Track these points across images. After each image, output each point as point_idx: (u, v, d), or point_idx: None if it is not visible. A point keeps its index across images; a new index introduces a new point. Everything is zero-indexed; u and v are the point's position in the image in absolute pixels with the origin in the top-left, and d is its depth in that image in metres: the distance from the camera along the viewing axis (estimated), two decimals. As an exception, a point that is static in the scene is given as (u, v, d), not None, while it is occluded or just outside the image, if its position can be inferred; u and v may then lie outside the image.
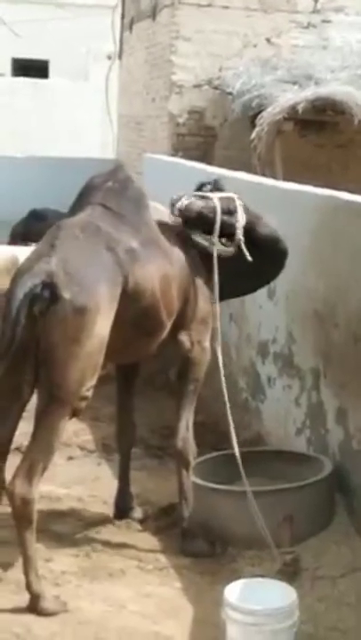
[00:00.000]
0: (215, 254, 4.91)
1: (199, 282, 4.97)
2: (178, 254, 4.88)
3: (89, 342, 4.27)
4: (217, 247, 4.93)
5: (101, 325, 4.32)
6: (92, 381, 4.35)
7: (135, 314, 4.55)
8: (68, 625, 4.22)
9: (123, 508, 5.32)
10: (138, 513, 5.33)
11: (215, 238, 4.93)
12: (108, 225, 4.58)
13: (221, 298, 5.21)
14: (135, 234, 4.63)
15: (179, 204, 5.00)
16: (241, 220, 5.00)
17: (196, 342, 4.98)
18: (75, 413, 4.35)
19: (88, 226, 4.54)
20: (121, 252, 4.50)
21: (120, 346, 4.54)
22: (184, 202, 5.02)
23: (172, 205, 5.04)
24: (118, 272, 4.45)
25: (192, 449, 5.05)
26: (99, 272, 4.37)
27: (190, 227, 4.99)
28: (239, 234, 4.97)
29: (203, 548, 4.91)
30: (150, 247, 4.66)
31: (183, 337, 4.95)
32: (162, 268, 4.68)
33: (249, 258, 4.95)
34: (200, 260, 5.02)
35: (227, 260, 5.02)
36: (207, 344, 5.04)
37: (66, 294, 4.20)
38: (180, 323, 4.92)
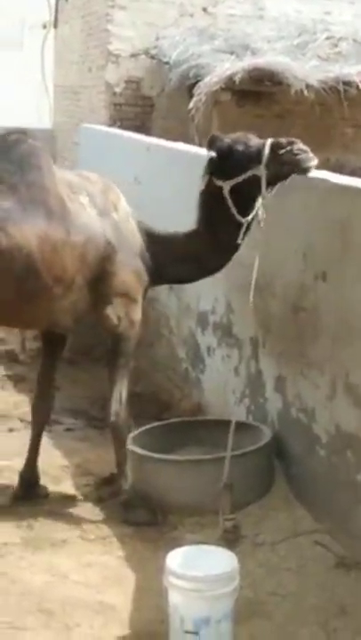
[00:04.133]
0: (264, 179, 4.73)
1: (124, 256, 4.95)
2: (86, 222, 4.83)
3: None
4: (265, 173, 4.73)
5: None
6: None
7: (11, 274, 4.58)
8: (11, 596, 4.23)
9: (28, 482, 5.27)
10: (43, 490, 5.30)
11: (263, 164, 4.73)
12: None
13: (163, 281, 5.30)
14: (11, 194, 4.64)
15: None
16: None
17: (122, 316, 4.99)
18: None
19: None
20: None
21: (4, 307, 4.62)
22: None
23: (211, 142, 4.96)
24: None
25: (126, 422, 5.07)
26: None
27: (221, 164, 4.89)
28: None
29: (144, 517, 4.95)
30: (31, 208, 4.65)
31: (108, 311, 4.96)
32: (42, 230, 4.65)
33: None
34: (140, 237, 5.06)
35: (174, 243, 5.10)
36: (136, 317, 5.04)
37: None
38: (103, 296, 4.92)
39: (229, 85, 9.97)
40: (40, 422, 5.36)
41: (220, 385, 6.12)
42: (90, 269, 4.85)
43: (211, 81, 9.83)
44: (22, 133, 4.92)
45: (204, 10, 11.64)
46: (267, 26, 11.11)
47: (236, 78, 9.83)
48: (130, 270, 4.99)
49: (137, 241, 5.07)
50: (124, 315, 4.99)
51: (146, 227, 5.20)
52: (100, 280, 4.90)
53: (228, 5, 11.70)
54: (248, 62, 9.93)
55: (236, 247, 5.03)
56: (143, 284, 5.09)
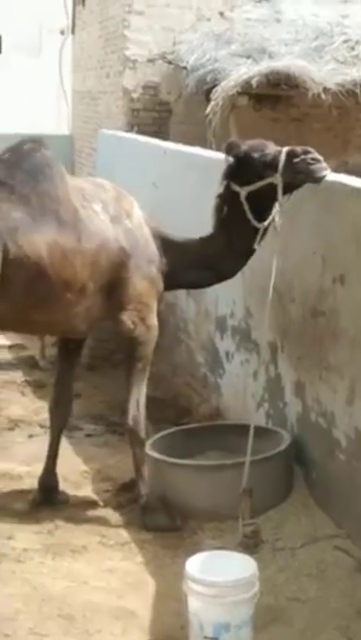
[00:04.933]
0: (280, 187, 4.77)
1: (137, 262, 4.98)
2: (99, 230, 4.87)
3: None
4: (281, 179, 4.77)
5: None
6: None
7: (22, 281, 4.63)
8: (32, 602, 4.24)
9: (47, 488, 5.28)
10: (63, 495, 5.32)
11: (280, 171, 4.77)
12: None
13: (179, 286, 5.36)
14: (23, 204, 4.69)
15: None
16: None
17: (138, 321, 5.02)
18: None
19: None
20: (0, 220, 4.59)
21: (15, 314, 4.69)
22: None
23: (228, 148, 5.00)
24: None
25: (144, 427, 5.08)
26: None
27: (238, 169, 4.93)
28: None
29: (164, 522, 4.96)
30: (42, 218, 4.70)
31: (124, 317, 5.00)
32: (53, 239, 4.70)
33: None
34: (154, 244, 5.09)
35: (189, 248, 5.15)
36: (152, 322, 5.08)
37: None
38: (118, 302, 4.97)
39: (246, 89, 9.96)
40: (58, 428, 5.38)
41: (239, 390, 6.11)
42: (102, 276, 4.89)
43: (228, 85, 9.83)
44: (37, 142, 4.96)
45: (221, 14, 11.63)
46: (284, 29, 11.08)
47: (254, 82, 9.82)
48: (143, 276, 5.02)
49: (151, 247, 5.10)
50: (140, 320, 5.02)
51: (161, 232, 5.23)
52: (113, 286, 4.94)
53: (245, 9, 11.68)
54: (265, 66, 9.92)
55: (250, 252, 5.07)
56: (157, 289, 5.12)
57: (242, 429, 5.03)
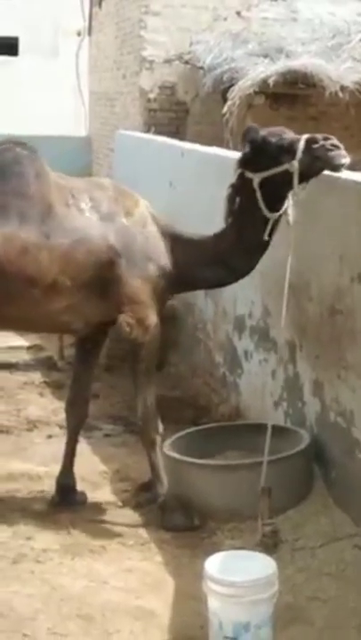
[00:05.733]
0: (296, 174, 4.71)
1: (131, 261, 4.94)
2: (79, 226, 4.86)
3: None
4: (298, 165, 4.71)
5: None
6: None
7: None
8: (52, 602, 4.25)
9: (65, 488, 5.27)
10: (82, 496, 5.31)
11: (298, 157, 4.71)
12: None
13: (192, 286, 5.35)
14: None
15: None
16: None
17: (134, 323, 4.95)
18: None
19: None
20: None
21: None
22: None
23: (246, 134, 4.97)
24: None
25: (154, 426, 5.06)
26: None
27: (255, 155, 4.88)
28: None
29: (181, 522, 4.95)
30: (2, 214, 4.74)
31: (120, 318, 4.96)
32: (13, 234, 4.72)
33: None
34: (161, 243, 5.05)
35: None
36: (150, 322, 5.00)
37: None
38: (113, 303, 4.94)
39: (263, 89, 9.96)
40: (74, 428, 5.38)
41: (257, 389, 6.10)
42: (81, 272, 4.85)
43: (244, 85, 9.83)
44: (15, 143, 4.99)
45: (238, 14, 11.62)
46: (300, 28, 11.07)
47: (270, 81, 9.82)
48: (138, 274, 4.96)
49: (152, 246, 5.04)
50: (136, 321, 4.97)
51: (173, 231, 5.19)
52: (105, 284, 4.90)
53: (262, 9, 11.67)
54: (282, 65, 9.91)
55: (263, 246, 5.00)
56: (156, 288, 5.03)
57: (261, 429, 5.01)
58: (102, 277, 4.90)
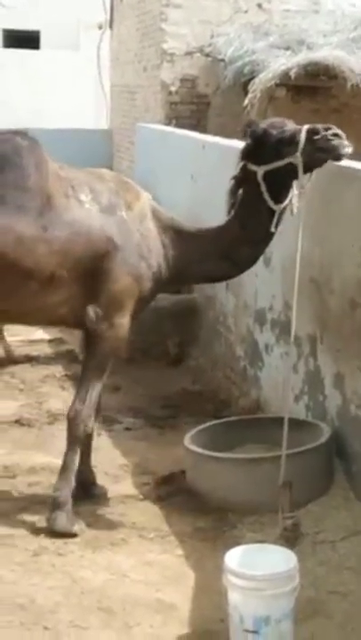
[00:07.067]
0: (301, 166, 4.66)
1: (125, 255, 4.86)
2: (78, 218, 4.79)
3: None
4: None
5: None
6: None
7: None
8: (72, 594, 4.26)
9: (84, 481, 5.21)
10: (102, 489, 5.28)
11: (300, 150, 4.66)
12: None
13: (194, 279, 5.27)
14: None
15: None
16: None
17: (102, 315, 4.85)
18: None
19: None
20: None
21: None
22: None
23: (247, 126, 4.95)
24: None
25: (84, 425, 4.92)
26: None
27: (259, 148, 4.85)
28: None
29: (62, 525, 4.81)
30: None
31: (90, 309, 4.85)
32: (8, 226, 4.64)
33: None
34: (157, 238, 4.99)
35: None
36: (118, 320, 4.88)
37: None
38: (91, 291, 4.84)
39: (285, 81, 9.93)
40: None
41: (278, 382, 6.09)
42: (79, 265, 4.78)
43: (266, 77, 9.81)
44: (15, 133, 4.91)
45: (259, 6, 11.60)
46: (322, 20, 11.04)
47: (292, 74, 9.80)
48: (128, 271, 4.88)
49: (149, 242, 4.97)
50: (104, 315, 4.86)
51: (175, 225, 5.12)
52: (92, 275, 4.82)
53: (283, 1, 11.65)
54: (303, 57, 9.88)
55: (267, 238, 4.96)
56: (141, 288, 4.93)
57: (281, 422, 5.00)
58: (94, 268, 4.81)
